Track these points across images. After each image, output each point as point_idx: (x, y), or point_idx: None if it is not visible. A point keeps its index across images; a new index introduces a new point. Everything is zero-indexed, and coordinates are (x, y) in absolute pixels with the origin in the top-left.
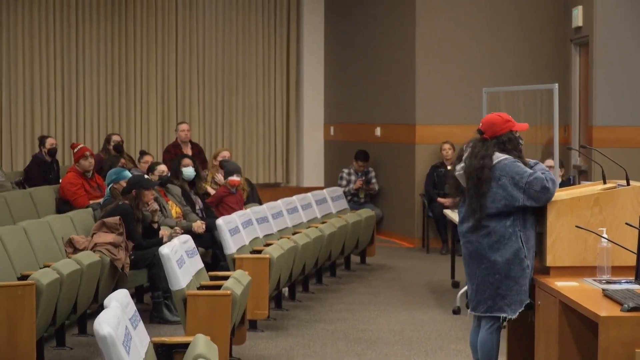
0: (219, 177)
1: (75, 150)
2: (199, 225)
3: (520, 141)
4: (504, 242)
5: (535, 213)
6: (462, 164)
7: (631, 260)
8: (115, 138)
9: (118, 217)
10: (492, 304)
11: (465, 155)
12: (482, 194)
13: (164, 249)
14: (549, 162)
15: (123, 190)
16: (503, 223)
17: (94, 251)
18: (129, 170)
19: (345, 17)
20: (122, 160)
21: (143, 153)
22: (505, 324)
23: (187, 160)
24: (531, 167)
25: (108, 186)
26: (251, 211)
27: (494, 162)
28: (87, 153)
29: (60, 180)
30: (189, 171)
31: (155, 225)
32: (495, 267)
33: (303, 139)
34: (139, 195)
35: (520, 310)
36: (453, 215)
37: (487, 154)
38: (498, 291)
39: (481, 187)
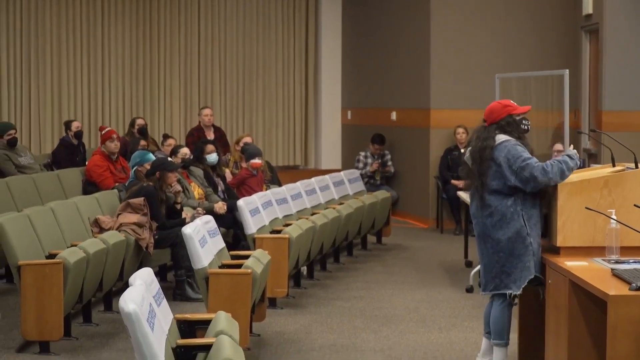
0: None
1: (103, 132)
2: (220, 206)
3: (525, 122)
4: (506, 221)
5: (539, 194)
6: (470, 148)
7: (639, 241)
8: (140, 122)
9: (142, 198)
10: (499, 281)
11: (471, 139)
12: (483, 172)
13: (187, 229)
14: (558, 146)
15: (147, 173)
16: (505, 203)
17: (119, 231)
18: (153, 153)
19: (362, 4)
20: (143, 142)
21: (166, 136)
22: (516, 301)
23: (210, 147)
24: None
25: (132, 168)
26: (271, 192)
27: (496, 143)
28: (114, 136)
29: (87, 163)
30: (212, 157)
31: (179, 206)
32: (499, 245)
33: (321, 123)
34: (163, 177)
35: (523, 286)
36: (466, 197)
37: (490, 136)
38: (503, 269)
39: (482, 165)
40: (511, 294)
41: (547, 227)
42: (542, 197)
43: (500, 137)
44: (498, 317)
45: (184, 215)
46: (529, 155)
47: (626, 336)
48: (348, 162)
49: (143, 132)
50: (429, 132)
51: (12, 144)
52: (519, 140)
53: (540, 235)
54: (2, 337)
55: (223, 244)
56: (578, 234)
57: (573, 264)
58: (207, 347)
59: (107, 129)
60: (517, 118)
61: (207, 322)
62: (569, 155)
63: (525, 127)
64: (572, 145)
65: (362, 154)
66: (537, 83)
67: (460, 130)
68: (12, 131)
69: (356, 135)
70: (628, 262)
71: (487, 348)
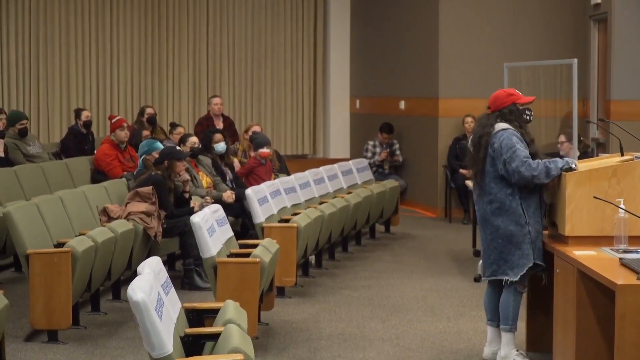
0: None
1: (113, 120)
2: (228, 195)
3: (528, 112)
4: (505, 208)
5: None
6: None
7: None
8: (149, 110)
9: (151, 187)
10: (496, 267)
11: (475, 126)
12: (481, 158)
13: (195, 218)
14: (561, 137)
15: (155, 161)
16: (504, 191)
17: (128, 220)
18: (161, 142)
19: None
20: (146, 132)
21: (174, 125)
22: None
23: (218, 136)
24: (530, 147)
25: (141, 157)
26: (279, 182)
27: (495, 131)
28: (125, 124)
29: (95, 152)
30: (220, 147)
31: (187, 195)
32: (498, 232)
33: (330, 112)
34: (171, 166)
35: (522, 274)
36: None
37: (489, 123)
38: (501, 255)
39: (480, 152)
40: (512, 280)
41: (551, 215)
42: (545, 186)
43: (500, 125)
44: (504, 303)
45: (192, 204)
46: (522, 148)
47: (634, 325)
48: (356, 151)
49: (152, 121)
50: (437, 121)
51: (22, 133)
52: (520, 129)
53: (540, 222)
54: (11, 326)
55: (231, 233)
56: (586, 224)
57: (581, 254)
58: (215, 336)
59: (117, 117)
60: (521, 107)
61: (215, 311)
62: (564, 158)
63: (528, 117)
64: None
65: (371, 143)
66: (545, 72)
67: (469, 119)
68: (25, 121)
69: (364, 125)
70: (636, 252)
71: (493, 336)
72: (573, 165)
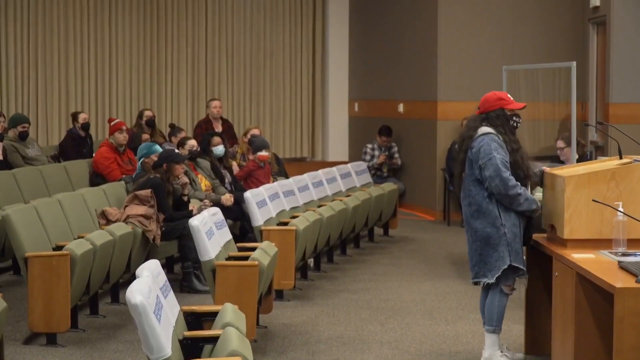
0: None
1: (112, 123)
2: (227, 198)
3: (515, 119)
4: (482, 211)
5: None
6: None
7: None
8: (148, 113)
9: (149, 190)
10: (478, 270)
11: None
12: (461, 160)
13: (194, 221)
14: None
15: (154, 164)
16: (482, 194)
17: (126, 223)
18: (161, 145)
19: None
20: (145, 136)
21: (173, 126)
22: (511, 291)
23: (216, 139)
24: (513, 153)
25: (140, 160)
26: (278, 185)
27: (477, 135)
28: (124, 127)
29: (94, 155)
30: (219, 150)
31: (185, 198)
32: (476, 234)
33: (328, 115)
34: (170, 169)
35: (497, 275)
36: None
37: (473, 126)
38: (481, 257)
39: (461, 154)
40: (489, 282)
41: (549, 218)
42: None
43: (483, 129)
44: (489, 304)
45: (191, 207)
46: (499, 156)
47: (633, 328)
48: (355, 154)
49: (151, 123)
50: (436, 124)
51: (23, 137)
52: (504, 135)
53: (517, 225)
54: (9, 329)
55: (230, 236)
56: (585, 227)
57: (580, 257)
58: (214, 339)
59: (116, 121)
60: (509, 113)
61: (214, 314)
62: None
63: (515, 123)
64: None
65: (369, 146)
66: (544, 75)
67: None
68: (26, 124)
69: (363, 127)
70: (635, 255)
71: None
72: (534, 216)
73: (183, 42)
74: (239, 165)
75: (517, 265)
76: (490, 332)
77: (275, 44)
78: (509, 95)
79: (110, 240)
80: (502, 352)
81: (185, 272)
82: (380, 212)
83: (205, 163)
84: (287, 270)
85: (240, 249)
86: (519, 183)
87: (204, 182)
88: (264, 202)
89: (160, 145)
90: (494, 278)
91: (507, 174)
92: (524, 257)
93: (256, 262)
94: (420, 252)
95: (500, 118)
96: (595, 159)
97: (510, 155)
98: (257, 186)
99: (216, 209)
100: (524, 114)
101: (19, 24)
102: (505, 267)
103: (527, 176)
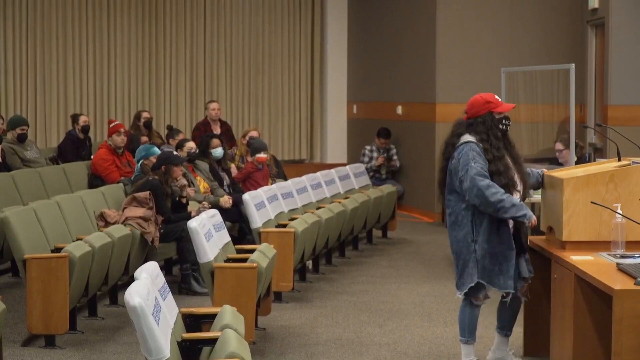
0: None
1: (111, 125)
2: (225, 200)
3: (505, 122)
4: (458, 223)
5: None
6: None
7: None
8: (145, 115)
9: (148, 192)
10: (456, 280)
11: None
12: (442, 168)
13: (192, 223)
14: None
15: (153, 166)
16: (460, 205)
17: (125, 225)
18: (159, 146)
19: None
20: (145, 138)
21: (171, 128)
22: (480, 302)
23: (215, 142)
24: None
25: (138, 162)
26: (277, 187)
27: (459, 142)
28: (122, 130)
29: (92, 157)
30: (217, 152)
31: (184, 200)
32: (452, 246)
33: (327, 117)
34: (168, 171)
35: (465, 291)
36: None
37: (457, 133)
38: (457, 269)
39: (442, 162)
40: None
41: (548, 220)
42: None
43: (466, 137)
44: (460, 316)
45: (189, 209)
46: (476, 165)
47: (632, 330)
48: (354, 156)
49: (148, 125)
50: (434, 126)
51: (21, 139)
52: (489, 142)
53: (489, 240)
54: (8, 331)
55: (228, 238)
56: (584, 229)
57: (578, 259)
58: (212, 341)
59: (115, 123)
60: (497, 117)
61: (212, 316)
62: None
63: (504, 127)
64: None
65: (368, 148)
66: (542, 77)
67: None
68: (25, 127)
69: (362, 129)
70: (633, 257)
71: (498, 343)
72: (527, 221)
73: (182, 44)
74: (238, 168)
75: (484, 283)
76: (462, 342)
77: (273, 46)
78: (496, 97)
79: (108, 242)
80: (512, 352)
81: (183, 274)
82: (379, 214)
83: (203, 165)
84: (286, 272)
85: (238, 251)
86: (501, 189)
87: (202, 184)
88: (263, 204)
89: (158, 147)
90: (462, 293)
91: (485, 181)
92: (524, 266)
93: (255, 264)
94: (419, 254)
95: (486, 123)
96: (594, 161)
97: (491, 164)
98: (255, 188)
99: (215, 211)
100: (523, 116)
101: (17, 26)
102: (472, 284)
103: (510, 185)
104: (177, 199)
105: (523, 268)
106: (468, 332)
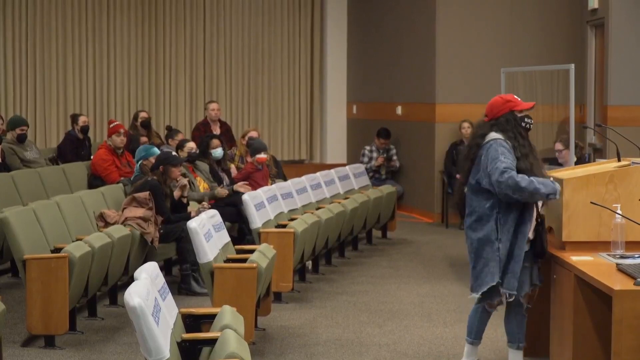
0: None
1: (111, 125)
2: (220, 191)
3: (527, 120)
4: (482, 222)
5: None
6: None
7: None
8: (143, 115)
9: (148, 192)
10: (472, 282)
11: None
12: (466, 169)
13: (192, 223)
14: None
15: (151, 167)
16: (483, 204)
17: (125, 225)
18: (159, 147)
19: None
20: (144, 138)
21: (170, 129)
22: (493, 309)
23: (215, 142)
24: (519, 159)
25: (138, 162)
26: (276, 187)
27: (484, 142)
28: (122, 131)
29: (92, 157)
30: (217, 152)
31: (185, 200)
32: (472, 245)
33: (326, 117)
34: (167, 172)
35: (483, 291)
36: None
37: (481, 134)
38: (474, 270)
39: (467, 163)
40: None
41: (548, 221)
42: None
43: (491, 136)
44: (471, 316)
45: (189, 209)
46: (505, 159)
47: (631, 331)
48: (353, 156)
49: (146, 125)
50: (434, 127)
51: (21, 139)
52: (516, 140)
53: (515, 243)
54: (8, 331)
55: (228, 238)
56: (583, 229)
57: (578, 259)
58: (212, 342)
59: (115, 123)
60: (519, 115)
61: (212, 317)
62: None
63: (527, 125)
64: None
65: (367, 148)
66: (542, 77)
67: (466, 124)
68: (25, 127)
69: (361, 130)
70: (633, 257)
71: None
72: (554, 196)
73: (181, 45)
74: (237, 168)
75: (505, 285)
76: (468, 342)
77: (273, 47)
78: (515, 97)
79: (108, 242)
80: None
81: (183, 274)
82: (379, 215)
83: (204, 166)
84: (285, 272)
85: (238, 252)
86: (526, 177)
87: (202, 185)
88: (262, 204)
89: (158, 147)
90: (479, 293)
91: (513, 172)
92: (536, 272)
93: (254, 265)
94: (419, 254)
95: (510, 122)
96: (594, 161)
97: (520, 161)
98: (255, 188)
99: (214, 211)
100: None
101: (17, 26)
102: (493, 284)
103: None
104: (176, 199)
105: (535, 274)
106: (475, 334)
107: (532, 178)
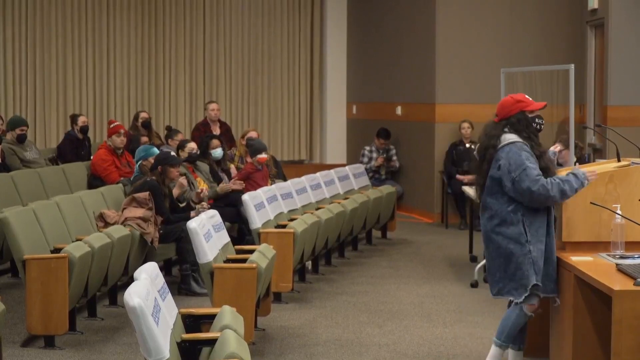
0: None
1: (111, 126)
2: (222, 187)
3: (538, 121)
4: (507, 225)
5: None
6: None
7: None
8: (143, 115)
9: (148, 193)
10: (502, 286)
11: (481, 135)
12: (483, 172)
13: (192, 224)
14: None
15: (151, 167)
16: (505, 207)
17: (124, 225)
18: (158, 147)
19: None
20: (145, 139)
21: (170, 129)
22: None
23: (215, 142)
24: (539, 156)
25: (137, 163)
26: (276, 187)
27: (502, 144)
28: (122, 131)
29: (92, 157)
30: (217, 152)
31: (186, 203)
32: (499, 250)
33: (326, 117)
34: (165, 172)
35: (525, 295)
36: (471, 191)
37: (495, 135)
38: (505, 274)
39: (484, 165)
40: (517, 301)
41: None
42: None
43: (507, 137)
44: (505, 318)
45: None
46: (532, 165)
47: (631, 331)
48: (353, 156)
49: (147, 125)
50: (434, 127)
51: (21, 139)
52: (528, 140)
53: (543, 241)
54: (7, 331)
55: (228, 239)
56: (583, 229)
57: (578, 259)
58: (212, 342)
59: (115, 123)
60: (530, 116)
61: (212, 317)
62: (574, 174)
63: (538, 125)
64: (577, 164)
65: (367, 148)
66: (542, 78)
67: (466, 125)
68: (24, 127)
69: (361, 130)
70: (633, 257)
71: (513, 357)
72: (586, 183)
73: (181, 45)
74: (237, 168)
75: (540, 283)
76: (496, 345)
77: (273, 47)
78: (527, 97)
79: (108, 242)
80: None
81: (183, 274)
82: (378, 215)
83: (204, 166)
84: (285, 272)
85: (238, 252)
86: (553, 180)
87: (202, 185)
88: (262, 204)
89: (157, 147)
90: (522, 297)
91: (543, 180)
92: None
93: (254, 265)
94: (418, 254)
95: (522, 122)
96: (594, 161)
97: (539, 161)
98: (255, 189)
99: (214, 212)
100: None
101: (17, 26)
102: (531, 286)
103: None
104: (181, 199)
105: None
106: (506, 336)
107: (557, 180)
